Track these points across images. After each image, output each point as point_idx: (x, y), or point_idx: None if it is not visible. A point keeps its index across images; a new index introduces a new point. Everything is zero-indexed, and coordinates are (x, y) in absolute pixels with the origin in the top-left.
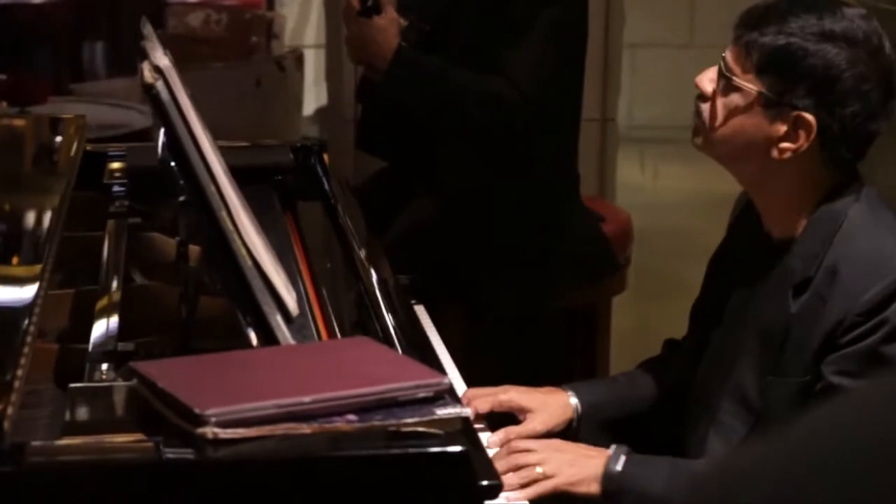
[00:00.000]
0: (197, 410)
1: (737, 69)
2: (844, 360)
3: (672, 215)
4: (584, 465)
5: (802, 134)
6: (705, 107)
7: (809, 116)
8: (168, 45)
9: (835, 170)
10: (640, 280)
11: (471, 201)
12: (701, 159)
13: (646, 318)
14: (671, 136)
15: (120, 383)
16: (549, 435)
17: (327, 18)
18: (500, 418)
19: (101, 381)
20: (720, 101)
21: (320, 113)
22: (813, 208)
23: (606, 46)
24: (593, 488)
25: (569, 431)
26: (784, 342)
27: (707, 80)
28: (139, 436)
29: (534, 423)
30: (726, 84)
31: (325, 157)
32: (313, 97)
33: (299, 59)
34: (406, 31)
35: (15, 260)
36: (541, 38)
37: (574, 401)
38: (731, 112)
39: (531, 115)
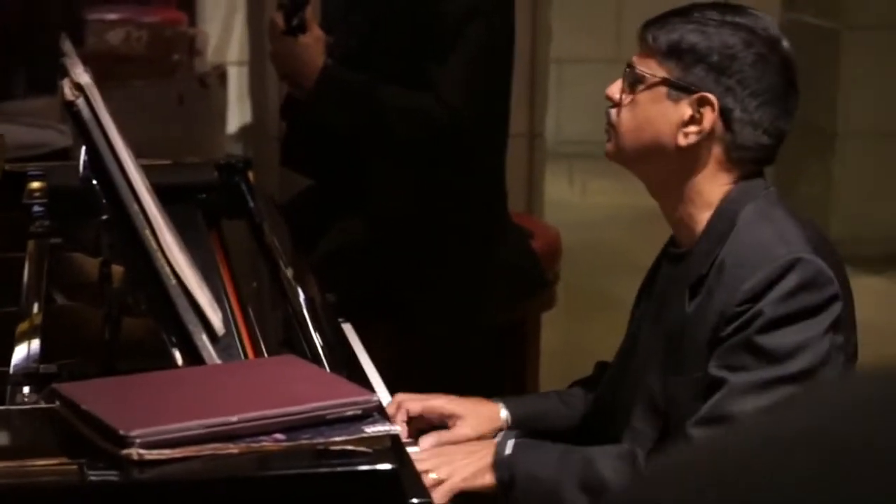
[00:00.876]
0: (121, 431)
1: (640, 63)
2: (725, 354)
3: (600, 231)
4: (474, 458)
5: (707, 112)
6: (614, 111)
7: (711, 95)
8: (88, 62)
9: (740, 165)
10: (569, 296)
11: (398, 218)
12: (628, 174)
13: (575, 335)
14: (599, 151)
15: (42, 406)
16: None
17: (251, 34)
18: (431, 429)
19: (24, 403)
20: (626, 98)
21: (245, 130)
22: (714, 209)
23: (533, 62)
24: (487, 479)
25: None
26: (681, 343)
27: (616, 89)
28: (63, 459)
29: (464, 429)
30: (632, 79)
31: (250, 174)
32: (237, 114)
33: (222, 76)
34: (332, 49)
35: None
36: (467, 53)
37: (504, 413)
38: (637, 104)
39: (458, 131)
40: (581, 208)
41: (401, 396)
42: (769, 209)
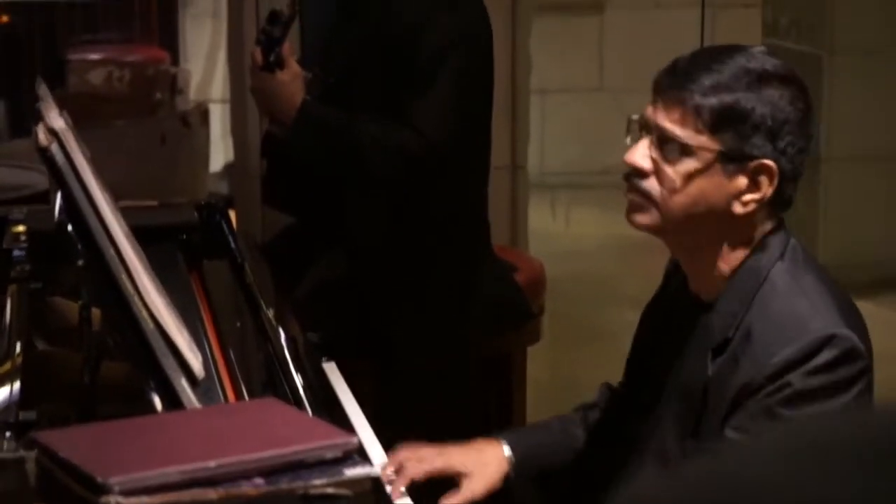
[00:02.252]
0: (99, 479)
1: (684, 132)
2: (743, 417)
3: (585, 262)
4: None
5: (764, 181)
6: (648, 182)
7: (770, 162)
8: (69, 103)
9: (776, 214)
10: (556, 328)
11: (379, 254)
12: (612, 203)
13: (562, 367)
14: (582, 182)
15: (22, 454)
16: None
17: (231, 73)
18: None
19: (3, 451)
20: (670, 170)
21: (228, 168)
22: (739, 265)
23: (514, 93)
24: None
25: (504, 484)
26: (703, 406)
27: (641, 156)
28: None
29: (473, 486)
30: (680, 150)
31: (231, 213)
32: (221, 152)
33: (205, 115)
34: (310, 84)
35: None
36: (445, 86)
37: (508, 452)
38: (689, 177)
39: (437, 163)
40: (565, 239)
41: (403, 455)
42: (798, 273)
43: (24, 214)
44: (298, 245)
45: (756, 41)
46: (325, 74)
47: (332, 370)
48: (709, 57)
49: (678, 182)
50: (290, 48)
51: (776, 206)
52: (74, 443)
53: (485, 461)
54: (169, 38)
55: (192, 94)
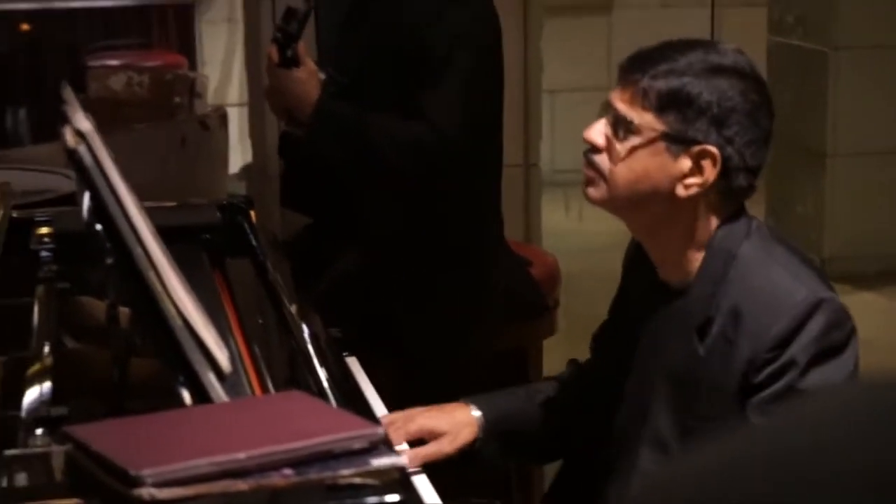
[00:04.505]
0: (132, 472)
1: (633, 113)
2: (768, 402)
3: (598, 256)
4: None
5: (707, 165)
6: (600, 157)
7: (713, 148)
8: (90, 108)
9: (728, 204)
10: (570, 322)
11: (396, 251)
12: None
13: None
14: None
15: (55, 448)
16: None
17: (249, 77)
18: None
19: (36, 446)
20: (619, 146)
21: (246, 170)
22: (705, 248)
23: (526, 93)
24: None
25: (472, 445)
26: (697, 385)
27: (597, 133)
28: (76, 500)
29: (441, 445)
30: (626, 128)
31: (252, 213)
32: (239, 154)
33: (223, 118)
34: (325, 85)
35: None
36: (457, 82)
37: (476, 413)
38: (633, 154)
39: (451, 156)
40: (578, 235)
41: (386, 419)
42: (768, 246)
43: (50, 216)
44: (316, 244)
45: (762, 39)
46: (339, 74)
47: (353, 364)
48: (671, 47)
49: (622, 159)
50: (304, 47)
51: (730, 193)
52: (106, 436)
53: (457, 422)
54: (186, 44)
55: (210, 98)
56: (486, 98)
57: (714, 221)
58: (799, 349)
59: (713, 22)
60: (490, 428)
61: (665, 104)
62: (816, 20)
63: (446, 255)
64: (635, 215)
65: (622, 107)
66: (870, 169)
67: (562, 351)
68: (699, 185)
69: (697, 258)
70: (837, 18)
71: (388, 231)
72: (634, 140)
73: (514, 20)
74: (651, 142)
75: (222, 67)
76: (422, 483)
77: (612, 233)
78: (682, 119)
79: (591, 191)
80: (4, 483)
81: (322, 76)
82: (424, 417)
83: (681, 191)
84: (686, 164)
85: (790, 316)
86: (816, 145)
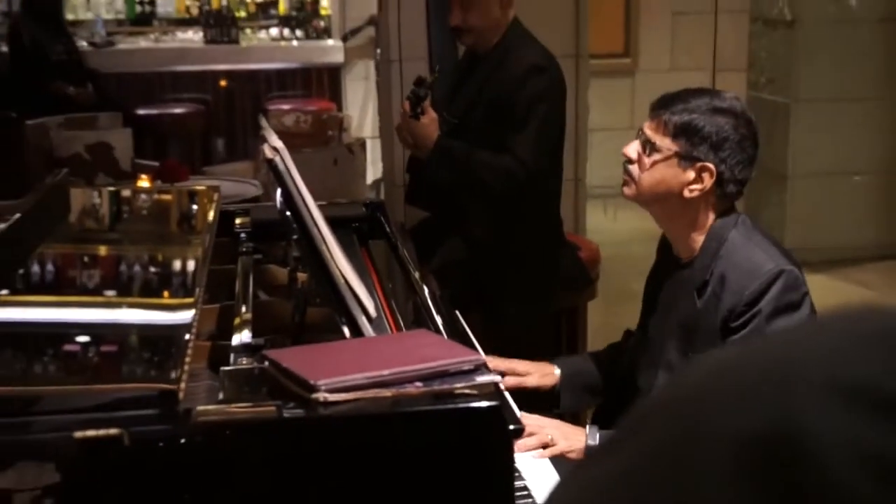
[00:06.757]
0: (311, 381)
1: (656, 137)
2: (742, 338)
3: (627, 246)
4: (574, 438)
5: (706, 177)
6: (633, 167)
7: (711, 165)
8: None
9: (723, 203)
10: (606, 291)
11: (489, 240)
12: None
13: (611, 317)
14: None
15: (256, 365)
16: (537, 391)
17: (380, 118)
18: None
19: (243, 364)
20: (646, 160)
21: (376, 182)
22: (706, 233)
23: (577, 131)
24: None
25: (552, 392)
26: (696, 329)
27: (632, 149)
28: (272, 402)
29: (527, 379)
30: (651, 148)
31: (386, 209)
32: (372, 172)
33: (362, 146)
34: (441, 125)
35: (166, 293)
36: (535, 126)
37: (557, 371)
38: (655, 166)
39: (529, 179)
40: (613, 231)
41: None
42: (749, 233)
43: (245, 210)
44: (431, 233)
45: (743, 94)
46: (451, 116)
47: (458, 317)
48: (687, 92)
49: (647, 169)
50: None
51: (724, 197)
52: (292, 358)
53: (540, 369)
54: (336, 94)
55: (353, 131)
56: (554, 138)
57: (712, 215)
58: (765, 304)
59: (714, 82)
60: (566, 381)
61: (679, 132)
62: (781, 81)
63: (525, 245)
64: (655, 208)
65: (650, 132)
66: (819, 186)
67: (600, 310)
68: (700, 191)
69: (699, 240)
70: (797, 79)
71: (484, 228)
72: (656, 156)
73: (571, 79)
74: (667, 158)
75: (360, 111)
76: (508, 396)
77: (636, 230)
78: (690, 144)
79: (626, 189)
80: (222, 390)
81: (439, 119)
82: (515, 362)
83: (687, 193)
84: (691, 175)
85: (760, 281)
86: (780, 169)
